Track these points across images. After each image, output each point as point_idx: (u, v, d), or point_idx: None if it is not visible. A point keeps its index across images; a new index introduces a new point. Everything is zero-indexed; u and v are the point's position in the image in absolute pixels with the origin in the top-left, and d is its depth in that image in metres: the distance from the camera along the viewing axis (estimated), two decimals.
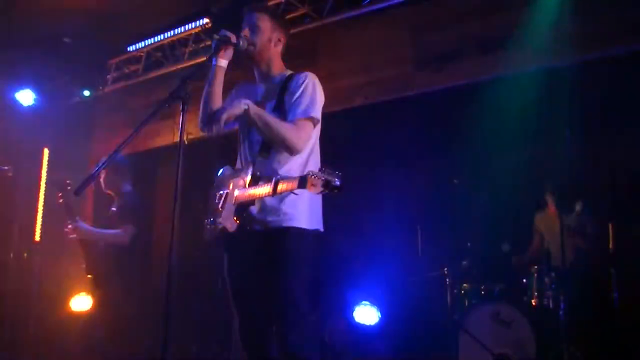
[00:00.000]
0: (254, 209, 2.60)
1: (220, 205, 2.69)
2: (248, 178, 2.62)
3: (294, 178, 2.34)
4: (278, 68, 2.84)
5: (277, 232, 2.61)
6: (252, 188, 2.57)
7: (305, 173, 2.28)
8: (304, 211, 2.64)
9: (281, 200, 2.58)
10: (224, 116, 2.50)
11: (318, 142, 2.80)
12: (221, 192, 2.74)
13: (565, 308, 4.15)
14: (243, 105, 2.52)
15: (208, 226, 2.70)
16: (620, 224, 4.78)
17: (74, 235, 4.52)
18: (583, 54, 4.66)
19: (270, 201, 2.58)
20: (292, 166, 2.65)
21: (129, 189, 4.83)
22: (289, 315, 2.54)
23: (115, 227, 4.60)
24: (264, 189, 2.48)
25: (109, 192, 4.81)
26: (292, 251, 2.59)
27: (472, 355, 4.44)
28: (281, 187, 2.38)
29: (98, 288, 4.64)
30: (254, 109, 2.55)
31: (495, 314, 4.48)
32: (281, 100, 2.71)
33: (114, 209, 4.77)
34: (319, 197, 2.69)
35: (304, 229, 2.64)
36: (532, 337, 4.29)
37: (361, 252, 7.07)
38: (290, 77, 2.78)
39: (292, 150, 2.60)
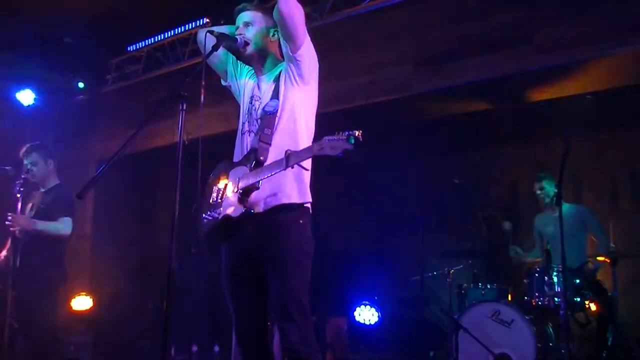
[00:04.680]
0: (256, 191, 2.61)
1: (219, 199, 2.70)
2: (251, 164, 2.62)
3: (308, 147, 2.38)
4: (275, 63, 2.85)
5: (275, 210, 2.62)
6: (258, 170, 2.58)
7: (320, 140, 2.30)
8: (299, 187, 2.67)
9: (278, 179, 2.59)
10: None
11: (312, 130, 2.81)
12: (218, 186, 2.75)
13: (565, 308, 4.15)
14: None
15: (205, 220, 2.71)
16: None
17: (16, 227, 4.31)
18: None
19: (267, 181, 2.58)
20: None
21: (59, 180, 4.67)
22: (292, 313, 2.54)
23: (52, 219, 4.41)
24: (274, 166, 2.49)
25: (38, 184, 4.63)
26: (292, 247, 2.60)
27: (472, 355, 4.44)
28: (294, 158, 2.39)
29: (22, 280, 4.35)
30: None
31: (495, 314, 4.48)
32: (277, 88, 2.73)
33: (47, 201, 4.55)
34: (308, 174, 2.71)
35: (300, 204, 2.67)
36: (532, 337, 4.29)
37: (361, 252, 7.07)
38: None
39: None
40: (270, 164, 2.55)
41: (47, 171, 4.63)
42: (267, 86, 2.79)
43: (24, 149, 4.62)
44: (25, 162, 4.59)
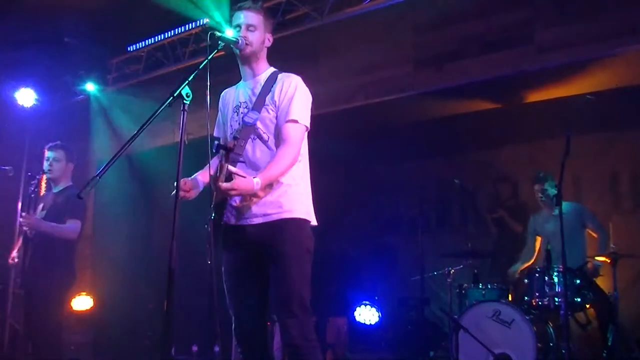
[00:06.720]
0: (249, 203, 2.66)
1: (216, 201, 2.73)
2: (225, 176, 2.66)
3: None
4: (264, 67, 2.88)
5: (277, 224, 2.64)
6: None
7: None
8: (301, 203, 2.70)
9: (279, 193, 2.64)
10: (234, 194, 2.54)
11: (306, 150, 2.83)
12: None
13: (565, 308, 4.15)
14: (255, 186, 2.55)
15: (207, 220, 2.74)
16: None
17: (27, 227, 4.32)
18: None
19: (268, 194, 2.63)
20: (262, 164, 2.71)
21: (71, 182, 4.66)
22: (293, 310, 2.57)
23: (61, 221, 4.40)
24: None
25: (52, 181, 4.62)
26: (293, 243, 2.63)
27: (472, 355, 4.44)
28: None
29: (29, 280, 4.35)
30: (259, 183, 2.58)
31: (495, 314, 4.48)
32: (262, 100, 2.77)
33: (58, 202, 4.54)
34: (308, 190, 2.75)
35: (303, 219, 2.70)
36: (532, 337, 4.29)
37: (361, 252, 7.07)
38: (273, 77, 2.82)
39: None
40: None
41: (64, 171, 4.65)
42: (251, 93, 2.81)
43: (51, 144, 4.62)
44: (48, 155, 4.59)
